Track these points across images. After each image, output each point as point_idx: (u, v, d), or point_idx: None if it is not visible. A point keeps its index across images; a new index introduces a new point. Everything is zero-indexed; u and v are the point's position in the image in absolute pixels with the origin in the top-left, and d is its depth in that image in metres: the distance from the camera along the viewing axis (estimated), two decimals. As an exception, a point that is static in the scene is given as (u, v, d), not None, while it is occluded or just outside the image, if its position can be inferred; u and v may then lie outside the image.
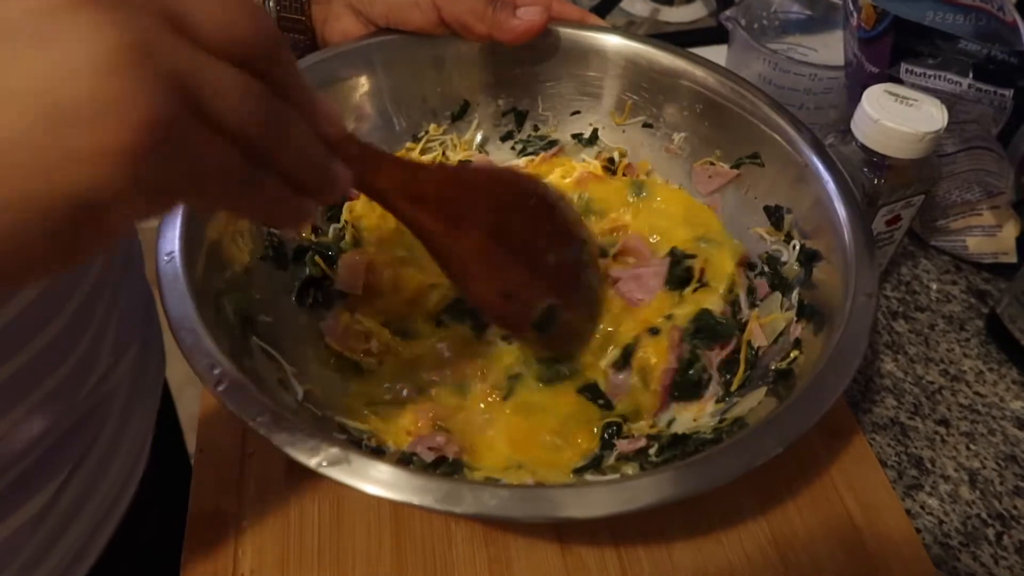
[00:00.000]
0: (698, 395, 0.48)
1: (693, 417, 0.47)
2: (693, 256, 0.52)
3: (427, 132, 0.58)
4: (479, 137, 0.59)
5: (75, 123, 0.21)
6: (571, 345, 0.49)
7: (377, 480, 0.34)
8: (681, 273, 0.51)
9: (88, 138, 0.21)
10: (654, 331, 0.49)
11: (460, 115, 0.58)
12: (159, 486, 0.61)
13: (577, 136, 0.60)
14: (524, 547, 0.45)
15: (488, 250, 0.42)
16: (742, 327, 0.50)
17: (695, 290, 0.51)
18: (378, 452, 0.42)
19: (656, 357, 0.48)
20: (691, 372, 0.48)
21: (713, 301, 0.51)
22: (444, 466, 0.43)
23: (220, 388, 0.36)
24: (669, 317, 0.50)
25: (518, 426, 0.46)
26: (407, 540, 0.45)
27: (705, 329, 0.49)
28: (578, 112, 0.59)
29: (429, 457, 0.43)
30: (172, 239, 0.41)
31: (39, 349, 0.44)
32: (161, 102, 0.21)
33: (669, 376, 0.48)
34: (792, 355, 0.44)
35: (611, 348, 0.49)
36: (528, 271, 0.44)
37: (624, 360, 0.49)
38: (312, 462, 0.34)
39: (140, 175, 0.22)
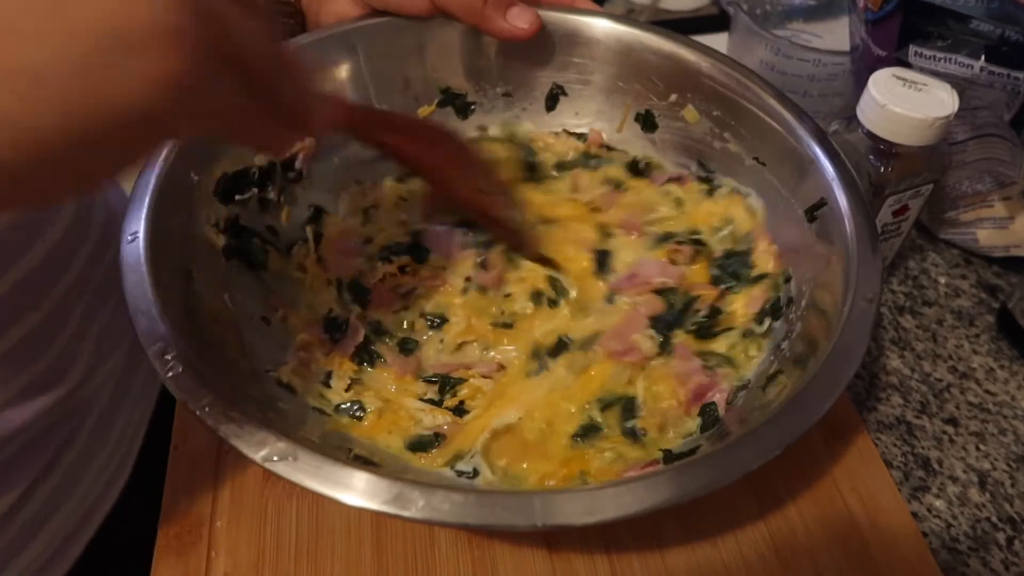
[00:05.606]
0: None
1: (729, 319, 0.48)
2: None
3: None
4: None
5: (132, 50, 0.23)
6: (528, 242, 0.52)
7: (324, 479, 0.32)
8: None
9: (143, 64, 0.24)
10: None
11: (447, 102, 0.56)
12: (148, 493, 0.61)
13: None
14: (509, 550, 0.43)
15: (455, 159, 0.50)
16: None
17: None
18: (347, 452, 0.40)
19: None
20: (672, 303, 0.49)
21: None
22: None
23: (170, 374, 0.34)
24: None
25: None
26: (388, 540, 0.43)
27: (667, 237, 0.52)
28: (566, 96, 0.56)
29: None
30: (138, 219, 0.39)
31: (19, 337, 0.47)
32: (205, 38, 0.25)
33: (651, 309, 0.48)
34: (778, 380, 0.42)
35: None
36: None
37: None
38: (258, 456, 0.32)
39: (185, 99, 0.25)
